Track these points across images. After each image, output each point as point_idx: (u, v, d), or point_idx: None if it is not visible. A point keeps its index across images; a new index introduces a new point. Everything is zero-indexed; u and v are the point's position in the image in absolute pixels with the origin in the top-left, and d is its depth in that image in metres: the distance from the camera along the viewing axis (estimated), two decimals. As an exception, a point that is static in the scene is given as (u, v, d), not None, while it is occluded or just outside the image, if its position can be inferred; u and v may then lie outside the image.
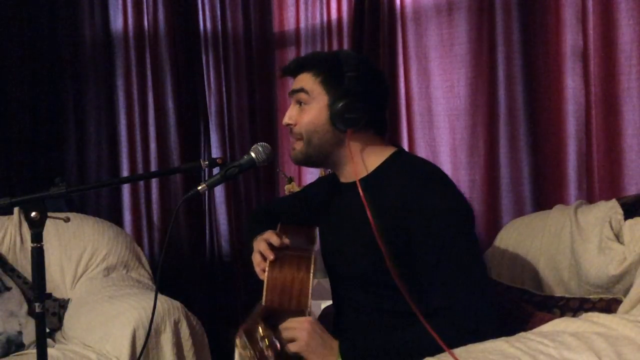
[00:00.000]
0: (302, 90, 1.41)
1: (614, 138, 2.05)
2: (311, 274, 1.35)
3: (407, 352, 1.22)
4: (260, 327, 1.24)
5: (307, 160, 1.45)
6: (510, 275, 1.77)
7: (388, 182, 1.36)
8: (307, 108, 1.41)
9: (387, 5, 2.62)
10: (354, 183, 1.42)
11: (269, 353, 1.20)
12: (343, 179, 1.48)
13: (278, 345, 1.21)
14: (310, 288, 1.34)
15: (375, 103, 1.42)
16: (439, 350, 1.14)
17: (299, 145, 1.43)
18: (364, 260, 1.38)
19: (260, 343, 1.21)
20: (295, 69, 1.45)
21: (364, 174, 1.41)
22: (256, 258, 1.43)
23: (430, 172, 1.39)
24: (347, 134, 1.38)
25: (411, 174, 1.36)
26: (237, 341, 1.32)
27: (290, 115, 1.43)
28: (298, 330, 1.26)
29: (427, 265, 1.28)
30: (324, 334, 1.27)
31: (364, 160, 1.42)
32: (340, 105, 1.36)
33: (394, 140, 2.53)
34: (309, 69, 1.42)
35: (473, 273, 1.28)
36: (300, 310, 1.33)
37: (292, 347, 1.25)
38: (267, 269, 1.37)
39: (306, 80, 1.41)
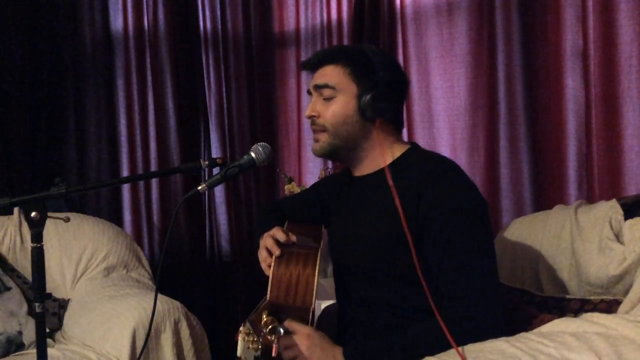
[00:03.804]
0: (326, 85, 1.40)
1: (614, 138, 2.05)
2: (317, 271, 1.35)
3: (412, 350, 1.22)
4: (263, 315, 1.24)
5: (332, 152, 1.44)
6: (511, 276, 1.77)
7: (406, 174, 1.37)
8: (333, 100, 1.40)
9: (387, 5, 2.62)
10: (371, 175, 1.43)
11: (272, 338, 1.21)
12: (358, 172, 1.48)
13: (282, 331, 1.22)
14: (316, 285, 1.34)
15: (399, 96, 1.44)
16: (444, 347, 1.14)
17: (323, 137, 1.42)
18: (380, 250, 1.37)
19: (264, 330, 1.22)
20: (319, 62, 1.45)
21: (386, 164, 1.41)
22: (262, 254, 1.43)
23: (447, 166, 1.40)
24: (375, 124, 1.39)
25: (428, 167, 1.37)
26: (241, 328, 1.33)
27: (314, 107, 1.43)
28: (296, 346, 1.25)
29: (436, 257, 1.28)
30: (324, 344, 1.27)
31: (386, 152, 1.42)
32: (370, 94, 1.37)
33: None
34: (336, 61, 1.42)
35: (481, 267, 1.28)
36: (305, 307, 1.33)
37: None
38: (272, 264, 1.37)
39: (332, 73, 1.41)
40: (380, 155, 1.41)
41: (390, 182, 1.33)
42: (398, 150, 1.44)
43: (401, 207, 1.31)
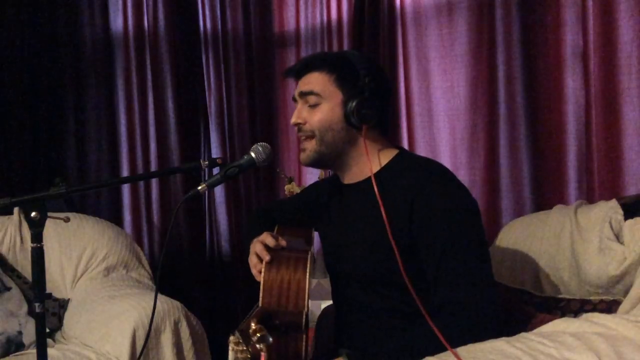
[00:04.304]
0: (312, 92, 1.40)
1: (614, 138, 2.05)
2: (307, 275, 1.35)
3: (413, 352, 1.22)
4: (252, 323, 1.24)
5: (320, 160, 1.43)
6: (510, 276, 1.77)
7: (395, 181, 1.37)
8: (318, 107, 1.40)
9: (387, 5, 2.62)
10: (360, 183, 1.43)
11: (261, 347, 1.20)
12: (347, 180, 1.47)
13: (271, 339, 1.21)
14: (307, 288, 1.34)
15: (384, 102, 1.43)
16: (442, 349, 1.14)
17: (310, 145, 1.42)
18: (371, 258, 1.37)
19: (252, 338, 1.21)
20: (303, 69, 1.44)
21: (374, 171, 1.40)
22: (252, 260, 1.43)
23: (436, 170, 1.40)
24: (361, 131, 1.38)
25: (418, 172, 1.37)
26: (231, 338, 1.32)
27: (299, 114, 1.43)
28: None
29: (432, 261, 1.28)
30: None
31: (373, 159, 1.42)
32: (356, 101, 1.36)
33: (394, 141, 2.54)
34: (319, 69, 1.41)
35: (478, 269, 1.28)
36: (298, 312, 1.33)
37: None
38: (263, 270, 1.36)
39: (316, 80, 1.41)
40: (367, 163, 1.40)
41: (377, 192, 1.32)
42: (386, 157, 1.43)
43: (392, 214, 1.30)
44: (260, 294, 1.35)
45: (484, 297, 1.25)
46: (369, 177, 1.38)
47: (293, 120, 1.44)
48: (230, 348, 1.32)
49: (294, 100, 1.47)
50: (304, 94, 1.42)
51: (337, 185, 1.53)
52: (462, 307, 1.24)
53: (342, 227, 1.48)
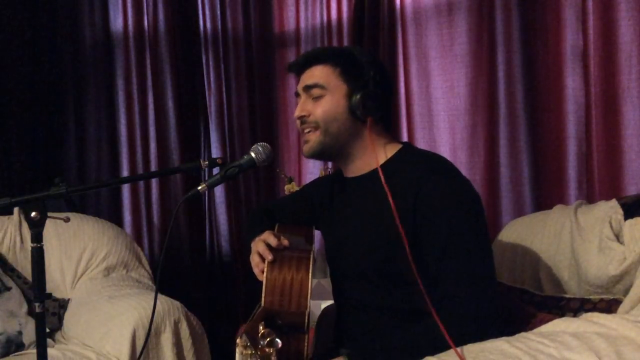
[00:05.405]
0: (316, 84, 1.40)
1: (614, 138, 2.05)
2: (310, 274, 1.35)
3: (411, 351, 1.22)
4: (260, 326, 1.24)
5: (323, 151, 1.43)
6: (510, 276, 1.77)
7: (399, 174, 1.37)
8: (322, 100, 1.40)
9: (387, 5, 2.62)
10: (365, 176, 1.42)
11: (270, 351, 1.20)
12: (351, 174, 1.47)
13: (280, 343, 1.21)
14: (310, 288, 1.34)
15: (387, 95, 1.44)
16: (445, 346, 1.14)
17: (314, 136, 1.42)
18: (374, 252, 1.37)
19: (261, 342, 1.21)
20: (307, 63, 1.44)
21: (378, 164, 1.40)
22: (254, 259, 1.43)
23: (442, 164, 1.40)
24: (366, 123, 1.39)
25: (421, 166, 1.37)
26: (238, 341, 1.32)
27: (304, 107, 1.43)
28: None
29: (435, 256, 1.28)
30: None
31: (379, 151, 1.42)
32: (360, 94, 1.37)
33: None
34: (324, 62, 1.42)
35: (479, 265, 1.28)
36: (300, 312, 1.33)
37: None
38: (265, 270, 1.37)
39: (320, 73, 1.41)
40: (372, 156, 1.40)
41: (384, 182, 1.32)
42: (390, 150, 1.43)
43: (396, 207, 1.30)
44: (263, 294, 1.35)
45: (486, 294, 1.26)
46: (374, 170, 1.38)
47: (297, 113, 1.44)
48: (238, 351, 1.32)
49: (297, 95, 1.47)
50: (308, 87, 1.42)
51: (340, 179, 1.53)
52: (461, 303, 1.24)
53: (345, 221, 1.48)
